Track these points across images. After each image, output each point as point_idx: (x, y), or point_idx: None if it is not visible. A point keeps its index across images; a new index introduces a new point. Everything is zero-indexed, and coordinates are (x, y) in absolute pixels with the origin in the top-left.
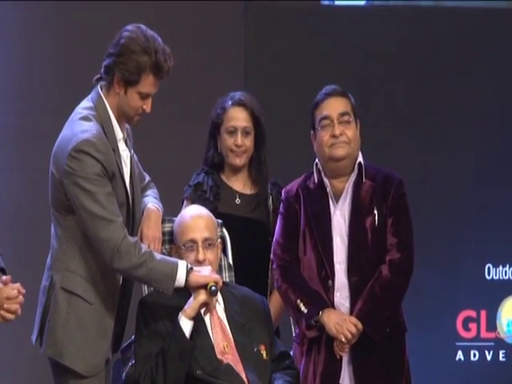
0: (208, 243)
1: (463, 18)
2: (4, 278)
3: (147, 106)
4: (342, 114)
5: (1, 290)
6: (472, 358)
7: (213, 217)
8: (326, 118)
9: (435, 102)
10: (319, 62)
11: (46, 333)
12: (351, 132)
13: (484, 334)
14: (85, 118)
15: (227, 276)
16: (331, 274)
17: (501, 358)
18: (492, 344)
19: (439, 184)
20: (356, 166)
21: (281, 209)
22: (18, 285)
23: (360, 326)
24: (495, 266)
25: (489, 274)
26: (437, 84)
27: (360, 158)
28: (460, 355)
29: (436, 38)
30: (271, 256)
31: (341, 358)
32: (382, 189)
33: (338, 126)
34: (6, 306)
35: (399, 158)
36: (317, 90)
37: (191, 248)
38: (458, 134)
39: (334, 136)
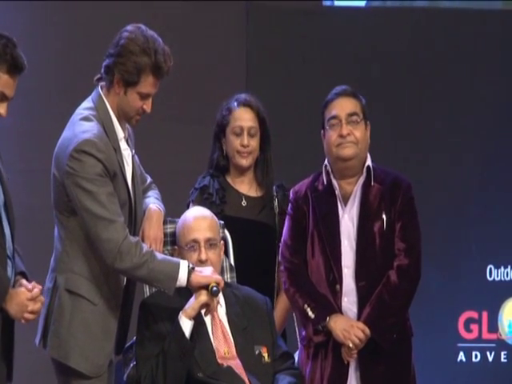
0: (210, 243)
1: (462, 19)
2: (23, 281)
3: (147, 106)
4: (351, 114)
5: (21, 292)
6: (474, 359)
7: (215, 218)
8: (334, 117)
9: (437, 102)
10: (320, 62)
11: (51, 335)
12: (359, 132)
13: (486, 335)
14: (85, 119)
15: (229, 277)
16: (339, 279)
17: (502, 359)
18: (493, 345)
19: (441, 185)
20: (365, 169)
21: (289, 209)
22: (33, 283)
23: (367, 331)
24: (497, 267)
25: (490, 276)
26: (438, 85)
27: (369, 161)
28: (461, 356)
29: (437, 38)
30: (279, 258)
31: (348, 363)
32: (390, 192)
33: (345, 126)
34: (30, 308)
35: (400, 159)
36: (318, 91)
37: (193, 248)
38: (459, 135)
39: (341, 136)
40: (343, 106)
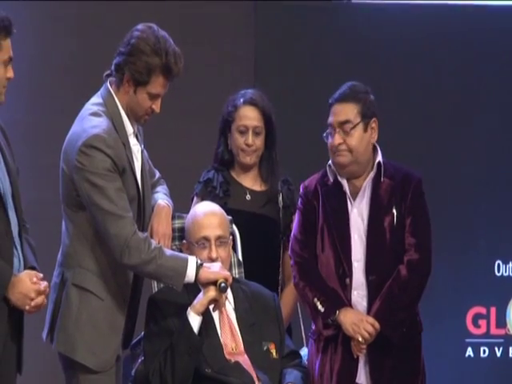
0: (220, 241)
1: (478, 16)
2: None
3: (156, 107)
4: (342, 123)
5: (24, 279)
6: (482, 354)
7: (225, 214)
8: (329, 124)
9: (450, 100)
10: (329, 60)
11: (58, 329)
12: (353, 140)
13: (494, 330)
14: (95, 114)
15: (237, 272)
16: (349, 273)
17: (510, 355)
18: (502, 340)
19: (449, 181)
20: (375, 165)
21: (299, 204)
22: (34, 273)
23: (377, 325)
24: (505, 262)
25: (498, 271)
26: (450, 82)
27: (379, 158)
28: (470, 352)
29: (451, 35)
30: (289, 252)
31: (357, 357)
32: (400, 188)
33: (337, 136)
34: (33, 303)
35: (409, 155)
36: (327, 89)
37: (204, 245)
38: (469, 131)
39: (333, 145)
40: (336, 114)
